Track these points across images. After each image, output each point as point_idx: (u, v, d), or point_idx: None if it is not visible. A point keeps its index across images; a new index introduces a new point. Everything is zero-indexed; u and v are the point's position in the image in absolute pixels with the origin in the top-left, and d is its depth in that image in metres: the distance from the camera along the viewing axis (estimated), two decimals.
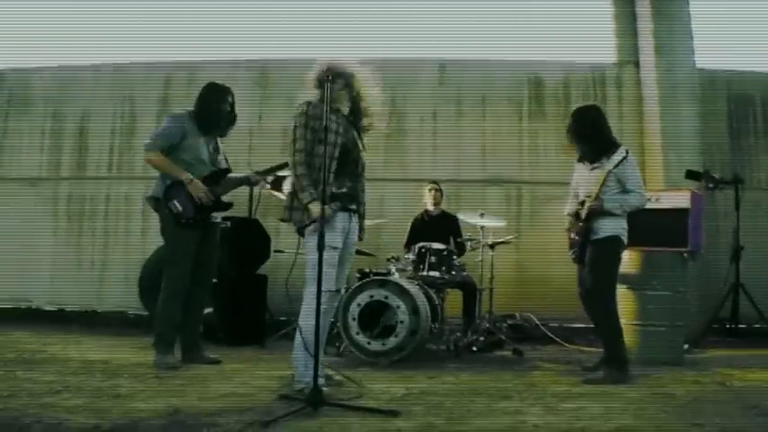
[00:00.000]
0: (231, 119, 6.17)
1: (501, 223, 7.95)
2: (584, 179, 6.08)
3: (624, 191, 5.87)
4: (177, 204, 5.83)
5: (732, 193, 8.27)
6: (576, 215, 6.03)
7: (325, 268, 4.62)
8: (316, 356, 4.24)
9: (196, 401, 4.38)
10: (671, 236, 6.98)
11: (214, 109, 6.02)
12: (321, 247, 4.32)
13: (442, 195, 8.45)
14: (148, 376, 5.30)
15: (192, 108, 6.08)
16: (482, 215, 7.70)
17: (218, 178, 6.01)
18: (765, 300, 8.05)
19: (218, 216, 6.16)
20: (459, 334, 7.32)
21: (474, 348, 7.25)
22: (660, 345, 6.74)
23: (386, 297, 6.35)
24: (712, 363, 6.78)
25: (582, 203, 5.96)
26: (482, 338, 7.41)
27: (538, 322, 8.36)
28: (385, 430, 3.80)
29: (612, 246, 5.89)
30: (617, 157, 5.76)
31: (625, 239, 5.97)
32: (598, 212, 5.82)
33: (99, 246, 9.88)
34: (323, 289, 4.67)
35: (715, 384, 5.55)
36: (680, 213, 7.05)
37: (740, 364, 6.58)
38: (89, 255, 9.87)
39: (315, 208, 4.63)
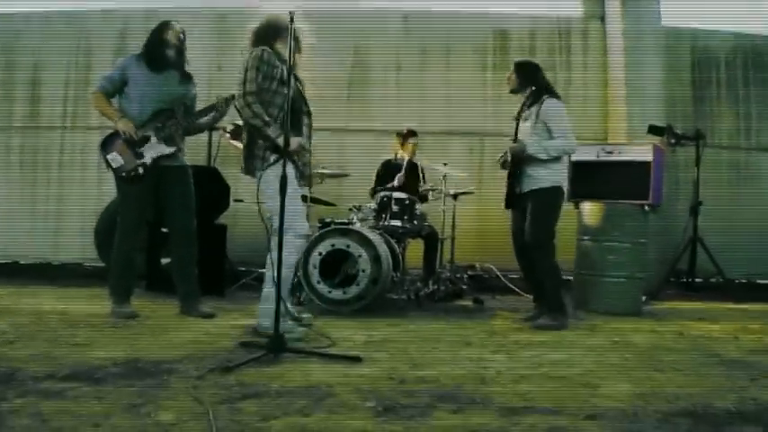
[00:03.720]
0: (179, 50, 5.87)
1: (463, 174, 7.88)
2: (522, 134, 6.11)
3: (551, 138, 5.88)
4: (117, 157, 5.65)
5: (693, 147, 8.32)
6: (504, 163, 6.10)
7: (293, 211, 4.63)
8: (277, 301, 4.17)
9: (156, 350, 4.28)
10: (632, 189, 7.01)
11: (158, 42, 5.79)
12: (283, 189, 4.21)
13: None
14: (106, 326, 5.16)
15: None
16: (445, 165, 7.64)
17: (164, 118, 5.77)
18: (722, 254, 8.16)
19: (170, 159, 5.82)
20: (420, 284, 7.31)
21: (435, 298, 7.26)
22: (619, 296, 6.86)
23: (347, 246, 6.29)
24: (670, 314, 6.88)
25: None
26: (443, 288, 7.40)
27: (498, 273, 8.38)
28: (347, 375, 3.74)
29: (554, 196, 5.93)
30: (537, 105, 5.92)
31: (565, 189, 6.06)
32: (521, 156, 5.88)
33: (54, 197, 9.71)
34: (297, 234, 4.67)
35: (673, 334, 5.60)
36: (642, 167, 7.05)
37: (697, 316, 6.68)
38: (43, 206, 9.71)
39: (291, 140, 4.57)
